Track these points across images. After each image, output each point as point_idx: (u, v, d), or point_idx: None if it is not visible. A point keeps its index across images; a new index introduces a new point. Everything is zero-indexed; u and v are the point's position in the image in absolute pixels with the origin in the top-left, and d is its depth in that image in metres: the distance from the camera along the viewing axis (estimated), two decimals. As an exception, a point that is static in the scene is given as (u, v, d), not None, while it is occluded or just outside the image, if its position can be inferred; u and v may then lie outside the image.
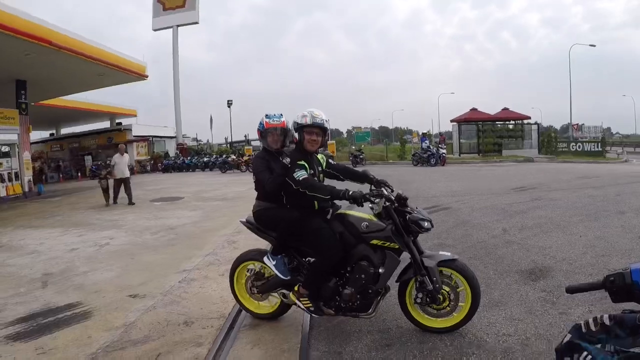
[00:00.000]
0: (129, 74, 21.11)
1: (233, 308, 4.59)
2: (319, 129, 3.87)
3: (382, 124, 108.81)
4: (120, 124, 39.68)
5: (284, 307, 4.19)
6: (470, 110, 37.21)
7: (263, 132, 4.04)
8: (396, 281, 3.86)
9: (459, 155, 33.49)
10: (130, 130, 37.68)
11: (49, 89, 22.01)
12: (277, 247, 3.99)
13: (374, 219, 3.72)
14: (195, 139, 49.76)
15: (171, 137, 40.68)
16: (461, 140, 35.04)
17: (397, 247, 3.64)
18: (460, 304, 3.76)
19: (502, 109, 37.17)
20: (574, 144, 32.29)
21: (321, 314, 3.82)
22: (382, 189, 3.79)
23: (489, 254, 6.17)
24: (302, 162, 3.77)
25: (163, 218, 10.88)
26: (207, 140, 45.31)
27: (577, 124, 38.67)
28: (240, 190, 15.84)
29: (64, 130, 42.46)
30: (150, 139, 39.71)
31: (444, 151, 26.96)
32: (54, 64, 17.11)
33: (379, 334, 3.93)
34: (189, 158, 34.50)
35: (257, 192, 4.12)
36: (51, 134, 42.84)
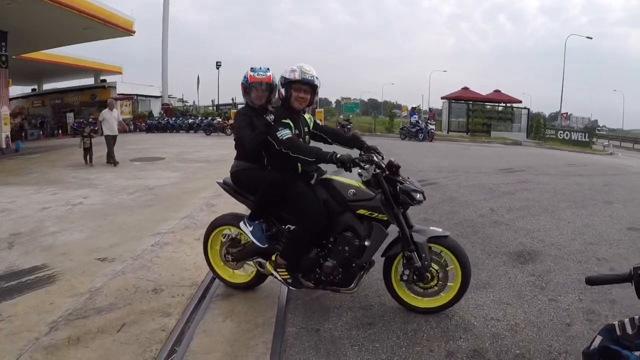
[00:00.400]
0: (115, 28, 20.43)
1: (206, 276, 4.32)
2: (309, 86, 3.52)
3: (371, 96, 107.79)
4: (104, 81, 38.30)
5: (260, 277, 3.92)
6: (462, 89, 36.89)
7: (247, 86, 3.69)
8: (382, 255, 3.58)
9: (447, 133, 33.40)
10: (115, 88, 36.49)
11: (31, 41, 21.11)
12: (255, 211, 3.68)
13: (362, 186, 3.41)
14: (181, 100, 48.98)
15: (157, 97, 39.70)
16: (450, 118, 34.93)
17: (385, 219, 3.36)
18: (449, 283, 3.53)
19: (494, 91, 36.95)
20: (562, 132, 32.42)
21: (299, 286, 3.55)
22: (373, 155, 3.47)
23: (476, 232, 6.02)
24: (287, 121, 3.46)
25: (142, 178, 10.54)
26: (194, 102, 44.63)
27: (566, 113, 38.79)
28: (223, 153, 15.35)
29: (47, 86, 41.15)
30: (135, 97, 38.59)
31: (433, 127, 26.85)
32: (36, 14, 16.39)
33: (361, 310, 3.69)
34: (173, 119, 33.68)
35: (236, 152, 3.81)
36: (33, 90, 41.50)
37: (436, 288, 3.52)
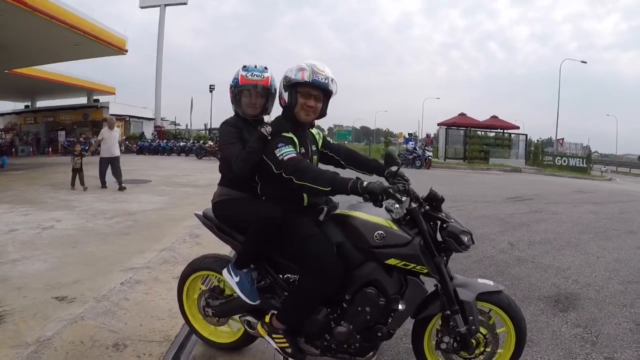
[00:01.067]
0: (107, 46, 20.25)
1: (182, 329, 3.47)
2: (320, 91, 2.64)
3: (364, 124, 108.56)
4: (97, 100, 38.56)
5: (249, 336, 3.03)
6: (459, 114, 36.74)
7: (236, 89, 2.86)
8: (412, 317, 2.68)
9: (445, 160, 33.17)
10: (108, 108, 36.47)
11: (22, 55, 20.81)
12: (243, 257, 2.77)
13: (394, 226, 2.50)
14: (174, 123, 48.61)
15: (149, 119, 39.89)
16: (447, 145, 34.72)
17: (425, 271, 2.48)
18: (498, 350, 2.69)
19: (491, 117, 36.90)
20: (560, 158, 32.58)
21: (302, 356, 2.64)
22: (406, 183, 2.63)
23: (501, 273, 5.30)
24: (290, 135, 2.60)
25: (123, 202, 9.78)
26: (186, 125, 44.18)
27: (562, 139, 38.65)
28: (213, 177, 14.12)
29: (40, 104, 41.24)
30: (128, 118, 38.70)
31: (430, 154, 26.65)
32: (27, 28, 16.07)
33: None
34: (165, 141, 33.30)
35: (220, 175, 2.97)
36: (26, 106, 41.62)
37: (482, 357, 2.67)
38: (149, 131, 38.06)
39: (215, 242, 3.34)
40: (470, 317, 2.49)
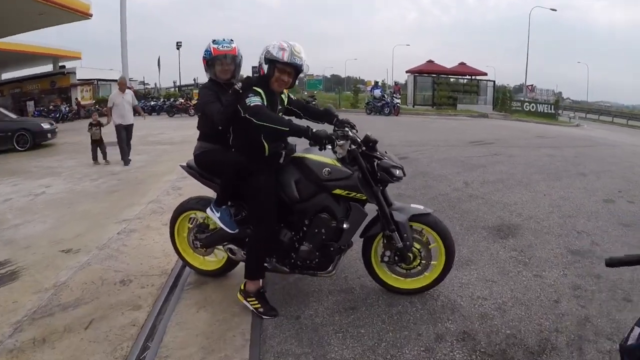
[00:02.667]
0: (71, 12, 19.66)
1: (176, 263, 4.08)
2: (294, 69, 3.20)
3: (334, 72, 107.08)
4: (63, 67, 37.11)
5: (232, 263, 3.70)
6: (427, 62, 36.85)
7: (210, 60, 3.39)
8: (360, 236, 3.40)
9: (413, 107, 33.40)
10: (74, 73, 35.43)
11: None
12: (222, 196, 3.40)
13: (338, 164, 3.14)
14: (143, 83, 47.55)
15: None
16: (416, 92, 34.92)
17: (364, 198, 3.14)
18: (432, 262, 3.38)
19: (459, 64, 37.06)
20: (528, 104, 32.79)
21: (274, 314, 3.22)
22: (347, 129, 3.20)
23: (453, 207, 5.93)
24: (259, 90, 3.13)
25: (106, 163, 10.18)
26: (155, 84, 43.32)
27: (532, 85, 39.16)
28: (188, 134, 14.75)
29: (5, 76, 39.71)
30: (95, 82, 37.54)
31: (398, 101, 26.76)
32: None
33: (342, 294, 3.52)
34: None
35: (199, 132, 3.53)
36: None
37: (419, 268, 3.37)
38: (117, 93, 37.25)
39: (195, 192, 3.97)
40: (405, 235, 3.17)
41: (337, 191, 3.14)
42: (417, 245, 3.29)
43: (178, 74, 45.52)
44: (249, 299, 3.24)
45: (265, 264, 3.31)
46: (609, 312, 3.21)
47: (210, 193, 3.65)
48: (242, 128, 3.15)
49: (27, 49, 30.83)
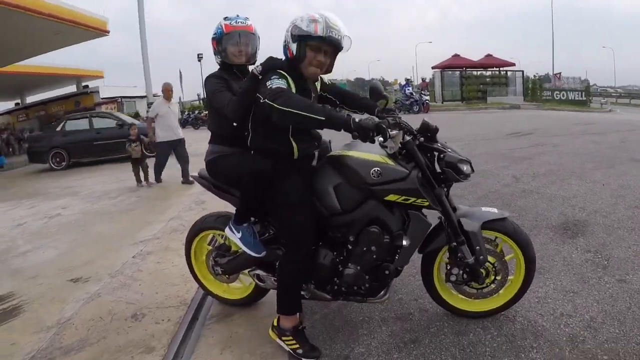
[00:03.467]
0: (88, 29, 19.52)
1: (197, 291, 3.54)
2: (332, 47, 2.49)
3: (358, 75, 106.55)
4: (87, 86, 37.74)
5: (261, 290, 3.10)
6: (453, 56, 35.97)
7: (220, 39, 2.79)
8: (419, 252, 2.71)
9: (442, 103, 32.65)
10: (98, 92, 36.12)
11: (4, 54, 20.30)
12: (241, 212, 2.79)
13: (389, 161, 2.47)
14: (167, 98, 48.11)
15: (141, 97, 38.85)
16: (444, 88, 34.30)
17: (425, 203, 2.46)
18: (508, 277, 2.74)
19: (486, 55, 36.14)
20: (558, 93, 32.07)
21: (316, 355, 2.60)
22: (397, 117, 2.57)
23: (507, 205, 5.32)
24: (284, 73, 2.42)
25: (126, 180, 9.74)
26: (179, 98, 43.60)
27: (559, 74, 38.16)
28: None
29: (30, 99, 40.50)
30: (120, 99, 38.10)
31: (427, 97, 26.07)
32: (4, 24, 15.51)
33: (398, 322, 2.90)
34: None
35: (210, 134, 2.92)
36: (16, 104, 40.78)
37: (493, 286, 2.73)
38: (142, 109, 37.59)
39: (222, 205, 3.36)
40: (477, 247, 2.52)
41: (391, 197, 2.46)
42: (491, 259, 2.65)
43: (201, 86, 45.68)
44: (284, 338, 2.62)
45: (302, 292, 2.70)
46: None
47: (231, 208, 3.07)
48: (263, 123, 2.49)
49: (49, 71, 31.14)
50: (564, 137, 10.98)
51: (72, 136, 13.87)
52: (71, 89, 38.31)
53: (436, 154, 2.49)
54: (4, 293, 4.01)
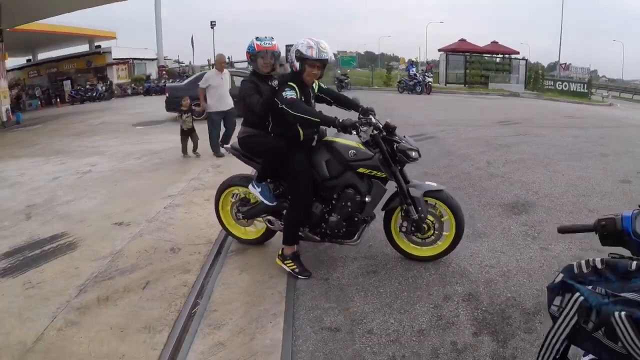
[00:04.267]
0: None
1: (220, 234, 4.60)
2: (322, 63, 3.66)
3: (368, 49, 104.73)
4: (99, 47, 37.67)
5: (270, 232, 4.22)
6: (459, 40, 36.17)
7: (253, 55, 3.91)
8: (382, 209, 3.89)
9: (445, 85, 32.91)
10: (110, 53, 36.04)
11: (24, 12, 20.36)
12: (262, 174, 3.93)
13: (362, 147, 3.65)
14: (177, 61, 47.73)
15: (152, 60, 39.11)
16: (448, 71, 34.43)
17: (384, 176, 3.64)
18: (444, 233, 3.83)
19: (491, 42, 36.24)
20: (561, 83, 31.73)
21: (308, 274, 3.76)
22: (370, 117, 3.67)
23: (473, 185, 6.20)
24: (293, 85, 3.61)
25: (146, 142, 10.64)
26: (190, 62, 43.38)
27: (565, 64, 38.12)
28: None
29: (41, 56, 40.28)
30: (131, 61, 38.06)
31: (430, 79, 26.55)
32: None
33: (365, 260, 4.02)
34: (170, 80, 31.88)
35: (243, 119, 4.08)
36: (28, 60, 40.62)
37: (433, 237, 3.83)
38: (153, 72, 37.76)
39: (234, 170, 4.57)
40: (420, 208, 3.64)
41: (361, 170, 3.64)
42: (430, 218, 3.76)
43: (212, 53, 45.33)
44: (286, 262, 3.78)
45: (300, 233, 3.83)
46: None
47: (248, 171, 4.27)
48: (279, 117, 3.64)
49: (62, 30, 31.28)
50: (548, 129, 11.42)
51: None
52: (83, 48, 38.20)
53: (395, 144, 3.61)
54: (59, 232, 4.93)
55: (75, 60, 37.46)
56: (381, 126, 3.66)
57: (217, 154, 8.56)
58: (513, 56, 35.78)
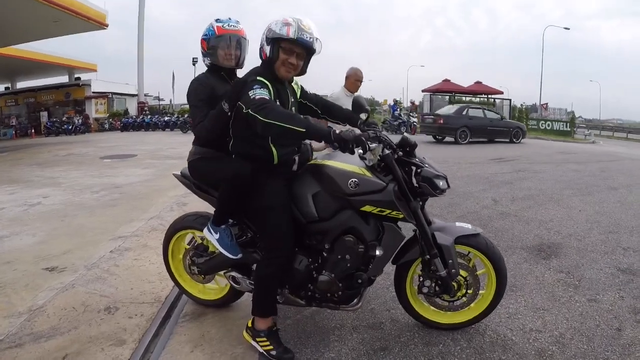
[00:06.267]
0: (87, 21, 19.57)
1: (172, 290, 3.53)
2: (304, 49, 2.54)
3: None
4: (79, 79, 37.37)
5: (236, 292, 3.11)
6: (443, 81, 36.46)
7: (211, 41, 2.82)
8: (393, 263, 2.76)
9: (430, 126, 32.83)
10: (90, 85, 35.71)
11: (1, 36, 20.33)
12: (220, 212, 2.80)
13: (367, 173, 2.51)
14: (157, 98, 47.49)
15: (132, 95, 38.60)
16: (432, 111, 34.54)
17: (400, 216, 2.52)
18: (480, 292, 2.81)
19: (475, 82, 36.61)
20: (544, 122, 32.70)
21: (290, 357, 2.61)
22: (378, 130, 2.63)
23: (485, 226, 5.39)
24: (265, 81, 2.47)
25: (110, 176, 9.70)
26: (170, 100, 43.15)
27: (546, 104, 38.93)
28: None
29: (20, 84, 40.08)
30: (110, 95, 37.54)
31: (415, 119, 26.24)
32: (4, 5, 15.61)
33: (369, 331, 2.94)
34: (149, 117, 32.38)
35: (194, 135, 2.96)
36: (6, 88, 40.59)
37: (464, 299, 2.79)
38: (132, 108, 37.12)
39: (203, 207, 3.39)
40: (450, 261, 2.56)
41: (367, 208, 2.51)
42: (463, 273, 2.71)
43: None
44: (258, 339, 2.63)
45: (277, 296, 2.72)
46: (678, 337, 2.84)
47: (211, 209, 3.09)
48: (243, 129, 2.55)
49: (43, 58, 31.12)
50: (546, 165, 11.22)
51: (473, 120, 18.78)
52: (63, 79, 38.00)
53: (414, 168, 2.54)
54: (-23, 276, 3.91)
55: (54, 91, 37.46)
56: (394, 144, 2.56)
57: None
58: (497, 96, 36.15)
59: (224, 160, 2.71)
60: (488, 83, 36.81)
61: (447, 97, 34.58)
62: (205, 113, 2.64)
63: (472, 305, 2.82)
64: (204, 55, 2.87)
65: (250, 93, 2.35)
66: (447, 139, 19.05)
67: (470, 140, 18.24)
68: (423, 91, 37.25)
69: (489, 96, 36.10)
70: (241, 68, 2.91)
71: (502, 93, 37.22)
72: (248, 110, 2.32)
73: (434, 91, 35.68)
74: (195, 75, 2.92)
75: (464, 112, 19.04)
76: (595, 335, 2.86)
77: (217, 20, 2.84)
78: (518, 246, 4.66)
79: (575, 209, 6.37)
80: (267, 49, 2.53)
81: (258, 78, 2.46)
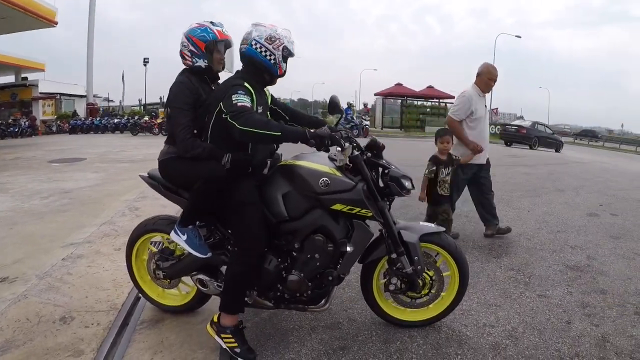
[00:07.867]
0: (36, 18, 19.12)
1: (128, 296, 3.45)
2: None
3: (302, 96, 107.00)
4: (26, 78, 35.80)
5: (200, 298, 3.07)
6: (395, 85, 37.10)
7: (211, 44, 2.78)
8: (359, 261, 2.81)
9: (382, 129, 33.60)
10: (37, 86, 34.17)
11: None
12: (188, 213, 2.78)
13: (337, 173, 2.59)
14: (107, 100, 46.11)
15: (81, 96, 37.15)
16: (384, 115, 35.13)
17: (369, 214, 2.58)
18: (442, 293, 2.91)
19: (427, 87, 37.47)
20: (494, 127, 33.26)
21: (252, 357, 2.60)
22: (346, 132, 2.69)
23: None
24: (250, 89, 2.59)
25: (59, 181, 9.32)
26: (120, 101, 41.96)
27: (496, 109, 39.99)
28: (149, 153, 13.91)
29: None
30: (58, 96, 36.15)
31: (367, 123, 26.76)
32: None
33: (327, 331, 2.97)
34: (98, 119, 31.28)
35: (168, 134, 2.94)
36: None
37: (426, 298, 2.88)
38: (81, 109, 35.73)
39: (155, 213, 3.33)
40: (416, 257, 2.65)
41: (337, 206, 2.56)
42: (429, 272, 2.81)
43: (144, 92, 44.15)
44: (223, 336, 2.62)
45: (245, 298, 2.71)
46: (624, 329, 3.08)
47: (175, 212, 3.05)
48: (220, 130, 2.56)
49: None
50: (497, 167, 11.18)
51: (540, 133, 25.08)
52: (9, 79, 36.57)
53: (381, 169, 2.64)
54: None
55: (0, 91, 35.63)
56: (363, 146, 2.67)
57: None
58: (448, 101, 36.92)
59: (197, 160, 2.68)
60: (441, 88, 37.64)
61: (399, 101, 35.17)
62: (188, 119, 2.63)
63: (430, 306, 2.93)
64: (198, 56, 2.80)
65: (234, 97, 2.42)
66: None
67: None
68: (375, 94, 37.80)
69: (441, 100, 36.87)
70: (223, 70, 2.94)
71: (453, 97, 38.06)
72: (227, 117, 2.40)
73: (386, 95, 36.27)
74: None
75: (535, 127, 25.07)
76: (546, 329, 3.03)
77: (213, 24, 2.82)
78: (470, 246, 4.83)
79: (525, 210, 6.66)
80: (284, 66, 2.72)
81: (245, 84, 2.55)
